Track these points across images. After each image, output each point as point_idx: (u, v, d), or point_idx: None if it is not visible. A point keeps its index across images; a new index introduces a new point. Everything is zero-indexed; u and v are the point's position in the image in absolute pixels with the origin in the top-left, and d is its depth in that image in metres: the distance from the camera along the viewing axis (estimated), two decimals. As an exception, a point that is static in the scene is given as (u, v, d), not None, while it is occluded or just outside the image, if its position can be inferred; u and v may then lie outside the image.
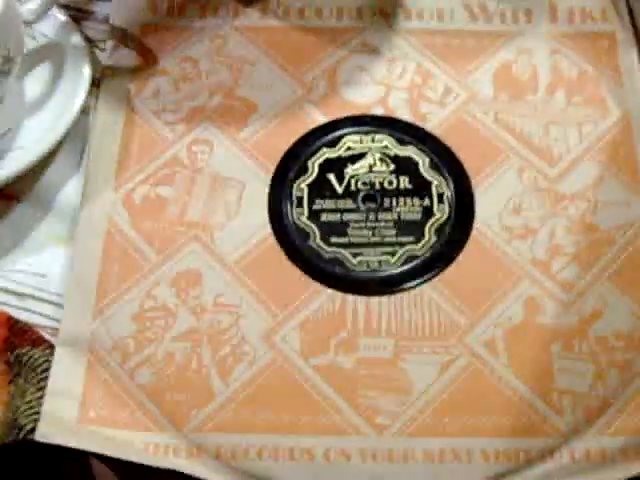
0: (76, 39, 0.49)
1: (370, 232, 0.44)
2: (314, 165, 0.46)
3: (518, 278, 0.43)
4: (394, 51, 0.50)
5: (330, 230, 0.44)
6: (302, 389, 0.40)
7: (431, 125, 0.47)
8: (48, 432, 0.38)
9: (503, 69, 0.49)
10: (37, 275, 0.44)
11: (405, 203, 0.44)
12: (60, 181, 0.47)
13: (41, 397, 0.39)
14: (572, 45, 0.50)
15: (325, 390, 0.40)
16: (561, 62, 0.49)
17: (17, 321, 0.42)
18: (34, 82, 0.49)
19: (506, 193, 0.45)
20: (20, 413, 0.38)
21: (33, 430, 0.38)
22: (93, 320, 0.41)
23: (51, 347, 0.41)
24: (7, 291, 0.43)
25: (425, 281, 0.42)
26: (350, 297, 0.42)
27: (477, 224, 0.44)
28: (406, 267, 0.43)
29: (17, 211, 0.46)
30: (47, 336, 0.42)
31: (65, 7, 0.50)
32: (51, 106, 0.47)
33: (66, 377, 0.40)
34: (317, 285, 0.42)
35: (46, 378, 0.40)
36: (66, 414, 0.39)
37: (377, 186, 0.45)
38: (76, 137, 0.48)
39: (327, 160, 0.46)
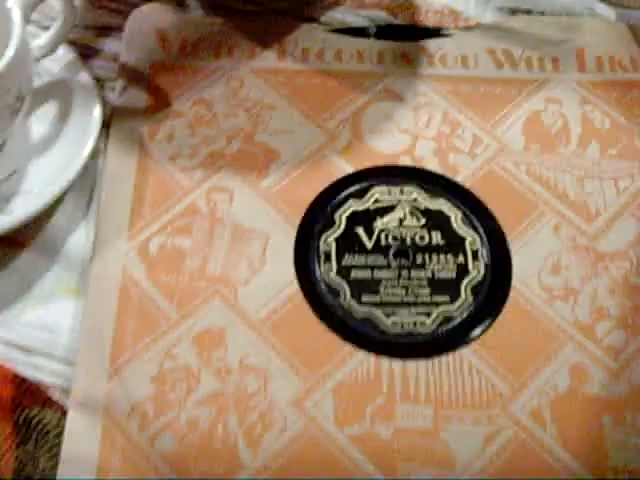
0: (84, 77, 0.47)
1: (403, 291, 0.41)
2: (341, 218, 0.43)
3: (562, 342, 0.41)
4: (419, 98, 0.48)
5: (361, 288, 0.41)
6: (337, 460, 0.37)
7: (461, 177, 0.45)
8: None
9: (533, 119, 0.48)
10: (45, 329, 0.41)
11: (439, 260, 0.42)
12: (68, 227, 0.44)
13: (55, 466, 0.36)
14: (602, 95, 0.49)
15: (362, 462, 0.37)
16: (592, 112, 0.48)
17: (24, 379, 0.39)
18: (40, 122, 0.46)
19: (543, 251, 0.43)
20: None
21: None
22: (108, 381, 0.38)
23: (63, 409, 0.38)
24: (12, 345, 0.40)
25: (464, 344, 0.40)
26: (385, 360, 0.40)
27: (515, 283, 0.42)
28: (443, 329, 0.41)
29: (23, 259, 0.43)
30: (57, 396, 0.39)
31: (72, 43, 0.48)
32: (59, 148, 0.45)
33: (80, 444, 0.37)
34: (349, 347, 0.40)
35: (59, 444, 0.37)
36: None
37: (408, 241, 0.43)
38: (85, 181, 0.45)
39: (354, 213, 0.44)
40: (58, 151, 0.44)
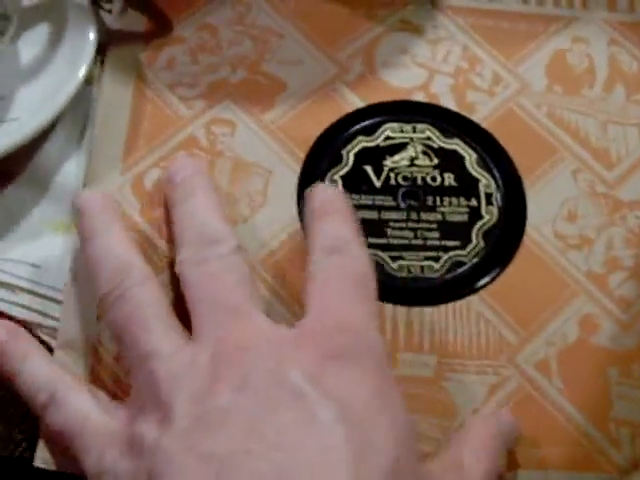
0: (79, -3, 0.45)
1: (412, 233, 0.41)
2: (349, 155, 0.43)
3: (573, 293, 0.40)
4: (438, 31, 0.47)
5: (367, 229, 0.41)
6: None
7: (478, 116, 0.45)
8: (48, 457, 0.35)
9: (557, 59, 0.47)
10: (32, 266, 0.40)
11: (450, 203, 0.42)
12: (59, 159, 0.43)
13: (38, 408, 0.36)
14: (632, 36, 0.48)
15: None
16: (620, 54, 0.47)
17: (10, 318, 0.39)
18: (30, 46, 0.45)
19: (560, 197, 0.43)
20: (15, 426, 0.35)
21: (29, 447, 0.35)
22: (97, 321, 0.38)
23: (49, 349, 0.38)
24: (-2, 282, 0.40)
25: (473, 291, 0.40)
26: (389, 306, 0.39)
27: (529, 230, 0.42)
28: (451, 275, 0.40)
29: (9, 192, 0.42)
30: (44, 336, 0.39)
31: (67, -40, 0.47)
32: (50, 74, 0.44)
33: (67, 385, 0.37)
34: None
35: (44, 385, 0.37)
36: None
37: (419, 182, 0.42)
38: (78, 110, 0.44)
39: (364, 150, 0.43)
40: (49, 77, 0.43)
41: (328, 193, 0.37)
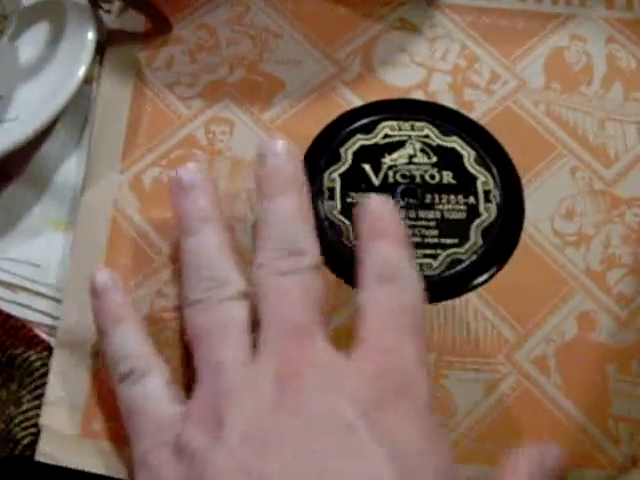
0: (78, -3, 0.46)
1: (410, 231, 0.41)
2: (347, 153, 0.43)
3: (571, 290, 0.41)
4: (436, 29, 0.47)
5: (365, 227, 0.41)
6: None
7: (477, 114, 0.45)
8: (50, 451, 0.35)
9: (555, 56, 0.47)
10: (32, 265, 0.41)
11: (448, 200, 0.42)
12: (59, 158, 0.44)
13: (38, 407, 0.36)
14: (630, 33, 0.48)
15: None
16: (618, 52, 0.47)
17: (9, 316, 0.39)
18: (29, 46, 0.46)
19: (558, 195, 0.43)
20: (15, 425, 0.36)
21: (30, 444, 0.35)
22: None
23: (49, 349, 0.38)
24: (-3, 281, 0.40)
25: (471, 289, 0.40)
26: (388, 304, 0.39)
27: (527, 227, 0.42)
28: (449, 272, 0.41)
29: (10, 191, 0.43)
30: (43, 335, 0.39)
31: (66, -40, 0.47)
32: (49, 73, 0.44)
33: (66, 384, 0.37)
34: (351, 289, 0.40)
35: (44, 384, 0.37)
36: (67, 428, 0.36)
37: (418, 179, 0.42)
38: (77, 109, 0.45)
39: (362, 148, 0.43)
40: (48, 76, 0.44)
41: (382, 211, 0.37)
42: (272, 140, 0.37)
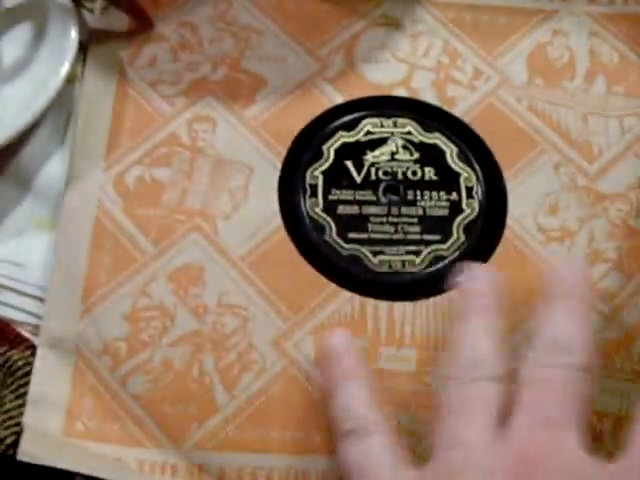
0: (61, -4, 0.46)
1: (392, 228, 0.41)
2: (330, 150, 0.43)
3: (555, 285, 0.40)
4: (418, 26, 0.47)
5: (348, 224, 0.41)
6: (317, 402, 0.37)
7: (459, 110, 0.45)
8: (32, 450, 0.35)
9: (537, 51, 0.47)
10: (15, 264, 0.41)
11: (431, 197, 0.42)
12: (42, 158, 0.44)
13: (21, 406, 0.37)
14: (612, 28, 0.48)
15: (342, 405, 0.37)
16: (600, 46, 0.47)
17: (-6, 317, 0.39)
18: (12, 45, 0.45)
19: (541, 190, 0.43)
20: (-2, 424, 0.36)
21: (13, 444, 0.35)
22: (80, 319, 0.39)
23: (32, 348, 0.38)
24: (-21, 281, 0.40)
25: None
26: (371, 301, 0.40)
27: (510, 223, 0.42)
28: (432, 269, 0.41)
29: (-7, 191, 0.43)
30: (27, 334, 0.39)
31: (48, -41, 0.47)
32: (32, 73, 0.44)
33: (49, 384, 0.37)
34: (334, 286, 0.40)
35: (26, 384, 0.37)
36: (50, 427, 0.36)
37: (400, 176, 0.43)
38: (60, 109, 0.45)
39: (344, 145, 0.43)
40: (31, 76, 0.44)
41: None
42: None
